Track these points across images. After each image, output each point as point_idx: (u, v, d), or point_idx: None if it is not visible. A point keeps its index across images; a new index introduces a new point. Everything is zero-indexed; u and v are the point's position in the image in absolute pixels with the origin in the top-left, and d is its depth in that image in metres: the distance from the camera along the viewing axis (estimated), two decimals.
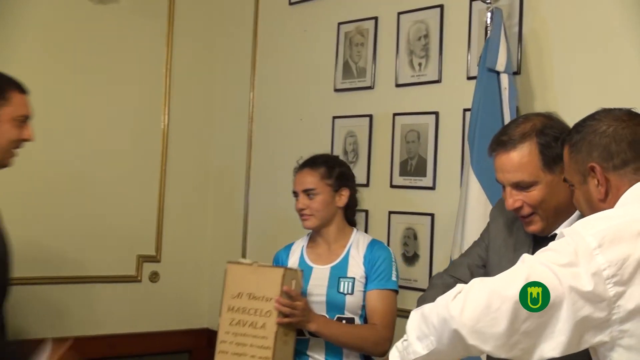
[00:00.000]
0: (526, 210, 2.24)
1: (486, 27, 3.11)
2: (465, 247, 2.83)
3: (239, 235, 4.62)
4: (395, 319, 3.00)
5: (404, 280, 3.68)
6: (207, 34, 4.83)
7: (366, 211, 3.90)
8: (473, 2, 3.46)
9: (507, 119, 2.96)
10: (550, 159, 2.19)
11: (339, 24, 4.12)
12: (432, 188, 3.59)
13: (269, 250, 4.34)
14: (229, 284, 2.85)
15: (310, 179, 3.10)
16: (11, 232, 2.75)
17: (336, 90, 4.12)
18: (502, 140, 2.27)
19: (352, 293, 3.01)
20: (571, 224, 2.06)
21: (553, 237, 2.06)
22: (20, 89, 2.62)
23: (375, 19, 3.94)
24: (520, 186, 2.22)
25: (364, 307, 3.05)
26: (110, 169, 4.29)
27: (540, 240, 2.25)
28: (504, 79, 3.02)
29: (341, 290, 3.01)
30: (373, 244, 3.15)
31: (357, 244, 3.13)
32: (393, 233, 3.77)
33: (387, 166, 3.83)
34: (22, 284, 3.59)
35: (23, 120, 2.60)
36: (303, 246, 3.28)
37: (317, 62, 4.24)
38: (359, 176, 3.93)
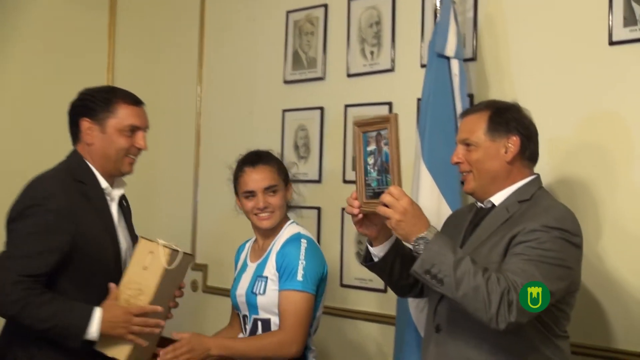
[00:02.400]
0: (463, 168, 2.45)
1: (435, 11, 3.04)
2: None
3: (187, 232, 4.54)
4: (306, 321, 2.81)
5: (359, 281, 3.62)
6: (151, 24, 4.72)
7: (319, 208, 3.83)
8: None
9: (459, 107, 2.92)
10: (494, 130, 2.39)
11: (288, 12, 4.05)
12: None
13: (219, 247, 4.27)
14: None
15: (271, 175, 2.99)
16: None
17: (286, 82, 4.04)
18: (469, 108, 2.57)
19: (263, 293, 2.89)
20: (505, 196, 2.39)
21: (490, 210, 2.40)
22: (129, 101, 2.80)
23: (325, 6, 3.87)
24: (465, 143, 2.43)
25: None
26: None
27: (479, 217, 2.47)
28: (455, 65, 2.96)
29: (254, 290, 2.91)
30: (289, 241, 2.97)
31: (280, 239, 3.00)
32: (346, 231, 3.69)
33: (339, 161, 3.75)
34: None
35: (130, 130, 2.77)
36: (250, 242, 3.19)
37: (266, 52, 4.16)
38: (311, 172, 3.87)
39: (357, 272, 3.62)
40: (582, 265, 2.33)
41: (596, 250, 2.83)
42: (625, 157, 2.81)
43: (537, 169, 2.49)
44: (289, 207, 3.11)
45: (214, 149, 4.44)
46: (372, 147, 2.35)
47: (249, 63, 4.26)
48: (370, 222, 2.43)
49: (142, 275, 2.63)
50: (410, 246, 2.25)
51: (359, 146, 2.42)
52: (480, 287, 2.09)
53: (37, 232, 2.55)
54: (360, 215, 2.41)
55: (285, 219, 3.04)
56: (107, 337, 2.56)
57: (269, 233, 3.02)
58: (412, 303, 2.91)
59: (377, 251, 2.50)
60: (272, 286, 2.87)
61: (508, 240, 2.24)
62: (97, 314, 2.56)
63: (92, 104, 2.76)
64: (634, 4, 2.79)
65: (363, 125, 2.41)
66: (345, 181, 3.73)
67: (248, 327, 2.95)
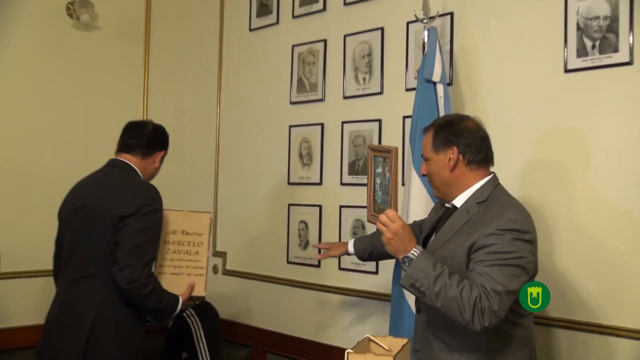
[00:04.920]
0: (428, 178, 2.39)
1: (423, 44, 2.94)
2: None
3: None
4: None
5: (355, 265, 3.52)
6: (178, 57, 4.59)
7: (320, 206, 3.72)
8: (410, 25, 3.30)
9: None
10: (438, 145, 2.30)
11: (293, 46, 3.93)
12: None
13: (235, 237, 4.16)
14: (166, 224, 2.89)
15: None
16: None
17: (292, 103, 3.92)
18: (424, 127, 2.43)
19: None
20: (464, 199, 2.27)
21: (454, 210, 2.30)
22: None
23: (325, 41, 3.75)
24: (424, 158, 2.37)
25: None
26: None
27: (446, 215, 2.37)
28: (440, 88, 2.86)
29: None
30: None
31: None
32: (344, 224, 3.59)
33: (337, 167, 3.64)
34: None
35: None
36: None
37: (275, 79, 4.04)
38: (313, 176, 3.76)
39: (353, 258, 3.48)
40: (538, 254, 2.22)
41: (551, 243, 2.75)
42: (579, 167, 2.73)
43: (504, 179, 2.36)
44: None
45: (231, 158, 4.32)
46: (379, 169, 2.30)
47: (260, 88, 4.14)
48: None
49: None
50: (399, 262, 2.19)
51: (370, 167, 2.36)
52: (455, 298, 2.02)
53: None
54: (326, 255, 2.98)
55: None
56: None
57: None
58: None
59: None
60: None
61: (470, 245, 2.14)
62: (180, 301, 2.80)
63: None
64: (585, 39, 2.71)
65: (375, 150, 2.36)
66: (342, 184, 3.61)
67: None
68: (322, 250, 3.04)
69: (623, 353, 2.58)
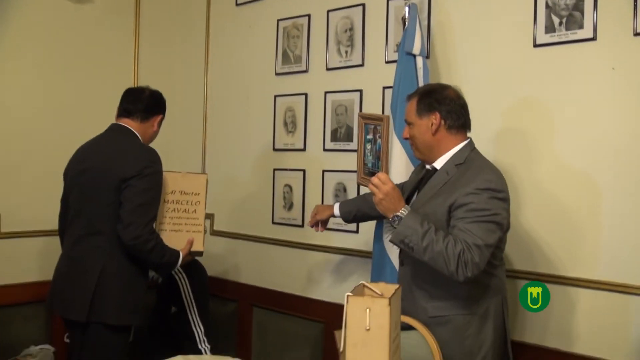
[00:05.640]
0: (410, 142, 2.46)
1: (403, 19, 2.98)
2: None
3: None
4: None
5: (337, 224, 3.56)
6: (167, 30, 4.55)
7: (304, 170, 3.77)
8: (390, 1, 3.34)
9: None
10: (421, 111, 2.37)
11: (278, 20, 3.93)
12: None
13: (222, 199, 4.19)
14: (165, 185, 2.95)
15: None
16: None
17: (277, 74, 3.94)
18: (408, 94, 2.50)
19: None
20: (444, 161, 2.36)
21: (434, 172, 2.38)
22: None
23: (309, 15, 3.77)
24: (407, 122, 2.43)
25: None
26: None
27: (427, 176, 2.45)
28: (419, 60, 2.91)
29: None
30: None
31: None
32: (326, 187, 3.64)
33: (320, 134, 3.69)
34: None
35: None
36: None
37: (260, 51, 4.04)
38: (297, 143, 3.80)
39: (336, 219, 3.58)
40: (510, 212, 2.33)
41: (517, 203, 2.85)
42: (545, 135, 2.81)
43: (477, 144, 2.45)
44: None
45: (218, 126, 4.33)
46: (370, 136, 2.35)
47: (246, 59, 4.14)
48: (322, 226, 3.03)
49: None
50: (389, 220, 2.27)
51: (361, 133, 2.41)
52: (441, 252, 2.12)
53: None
54: (321, 229, 3.03)
55: None
56: None
57: None
58: (387, 242, 2.89)
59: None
60: None
61: (450, 203, 2.24)
62: (181, 255, 2.89)
63: None
64: (553, 16, 2.78)
65: (365, 118, 2.40)
66: (324, 150, 3.66)
67: None
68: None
69: (581, 302, 2.70)
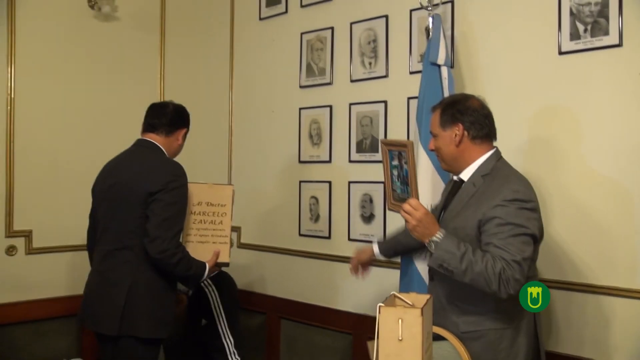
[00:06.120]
0: (436, 152, 2.46)
1: (427, 29, 2.99)
2: None
3: None
4: None
5: (363, 235, 3.58)
6: (192, 45, 4.61)
7: (329, 182, 3.78)
8: (413, 12, 3.35)
9: None
10: (445, 122, 2.37)
11: (302, 33, 3.96)
12: None
13: (250, 212, 4.21)
14: (191, 196, 2.96)
15: None
16: None
17: (301, 86, 3.97)
18: (432, 106, 2.51)
19: None
20: (471, 172, 2.35)
21: (462, 184, 2.38)
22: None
23: (332, 28, 3.79)
24: (432, 134, 2.44)
25: None
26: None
27: (455, 188, 2.45)
28: (444, 70, 2.91)
29: None
30: None
31: None
32: (352, 198, 3.65)
33: (345, 145, 3.70)
34: None
35: None
36: None
37: (284, 65, 4.08)
38: (323, 155, 3.81)
39: (361, 229, 3.59)
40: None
41: (545, 212, 2.83)
42: (571, 142, 2.79)
43: (504, 152, 2.43)
44: None
45: (243, 140, 4.37)
46: (395, 162, 2.34)
47: (271, 73, 4.18)
48: (363, 269, 2.98)
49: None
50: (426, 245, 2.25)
51: (385, 160, 2.40)
52: (482, 272, 2.11)
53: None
54: (361, 273, 2.98)
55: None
56: None
57: None
58: (416, 256, 2.88)
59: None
60: None
61: (479, 217, 2.22)
62: (207, 267, 2.92)
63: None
64: (578, 23, 2.77)
65: (388, 144, 2.39)
66: (350, 161, 3.67)
67: None
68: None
69: (617, 311, 2.66)
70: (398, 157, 2.29)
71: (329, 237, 3.77)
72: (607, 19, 2.69)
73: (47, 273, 3.85)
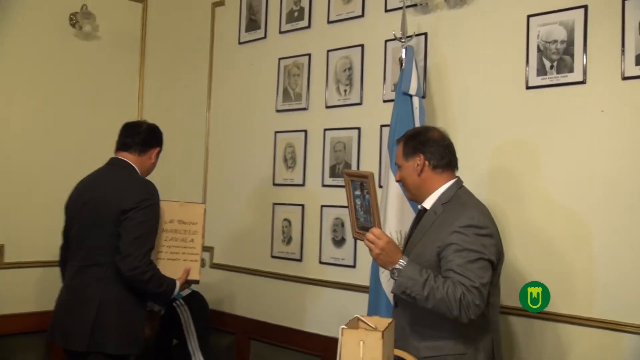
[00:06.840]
0: (402, 182, 2.53)
1: (401, 60, 3.08)
2: (386, 231, 2.79)
3: None
4: None
5: (333, 259, 3.63)
6: (172, 66, 4.67)
7: (302, 205, 3.83)
8: (388, 43, 3.44)
9: None
10: (407, 154, 2.47)
11: (280, 59, 4.04)
12: None
13: (223, 234, 4.24)
14: (163, 214, 3.00)
15: None
16: None
17: (277, 110, 4.03)
18: (397, 138, 2.61)
19: None
20: (433, 201, 2.42)
21: (425, 212, 2.44)
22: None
23: (309, 55, 3.87)
24: (397, 165, 2.53)
25: None
26: None
27: (419, 217, 2.52)
28: (415, 100, 2.99)
29: None
30: None
31: None
32: (324, 222, 3.70)
33: (319, 170, 3.76)
34: None
35: None
36: None
37: (262, 89, 4.14)
38: (297, 178, 3.87)
39: (332, 252, 3.64)
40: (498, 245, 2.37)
41: (505, 240, 2.90)
42: (536, 174, 2.88)
43: (468, 183, 2.51)
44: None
45: (219, 161, 4.41)
46: (358, 192, 2.41)
47: (248, 96, 4.24)
48: None
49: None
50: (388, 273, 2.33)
51: (349, 189, 2.47)
52: (443, 298, 2.18)
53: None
54: None
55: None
56: None
57: None
58: (383, 277, 2.94)
59: None
60: None
61: (438, 244, 2.29)
62: (178, 284, 2.95)
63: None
64: (545, 60, 2.87)
65: (350, 175, 2.46)
66: (323, 185, 3.73)
67: None
68: None
69: (575, 339, 2.74)
70: (360, 187, 2.36)
71: (300, 260, 3.82)
72: (572, 56, 2.80)
73: (18, 288, 3.84)
